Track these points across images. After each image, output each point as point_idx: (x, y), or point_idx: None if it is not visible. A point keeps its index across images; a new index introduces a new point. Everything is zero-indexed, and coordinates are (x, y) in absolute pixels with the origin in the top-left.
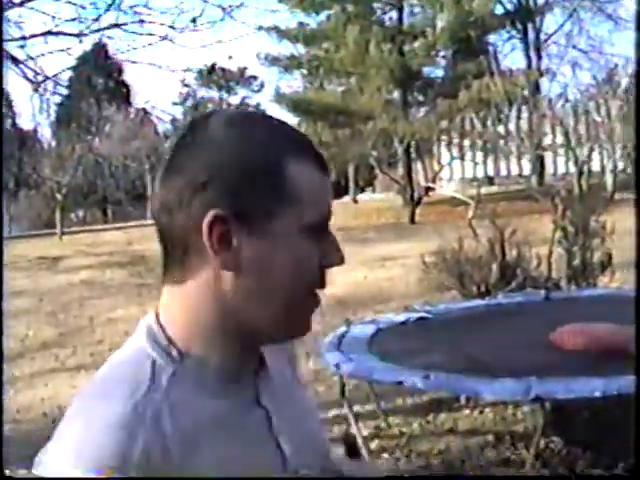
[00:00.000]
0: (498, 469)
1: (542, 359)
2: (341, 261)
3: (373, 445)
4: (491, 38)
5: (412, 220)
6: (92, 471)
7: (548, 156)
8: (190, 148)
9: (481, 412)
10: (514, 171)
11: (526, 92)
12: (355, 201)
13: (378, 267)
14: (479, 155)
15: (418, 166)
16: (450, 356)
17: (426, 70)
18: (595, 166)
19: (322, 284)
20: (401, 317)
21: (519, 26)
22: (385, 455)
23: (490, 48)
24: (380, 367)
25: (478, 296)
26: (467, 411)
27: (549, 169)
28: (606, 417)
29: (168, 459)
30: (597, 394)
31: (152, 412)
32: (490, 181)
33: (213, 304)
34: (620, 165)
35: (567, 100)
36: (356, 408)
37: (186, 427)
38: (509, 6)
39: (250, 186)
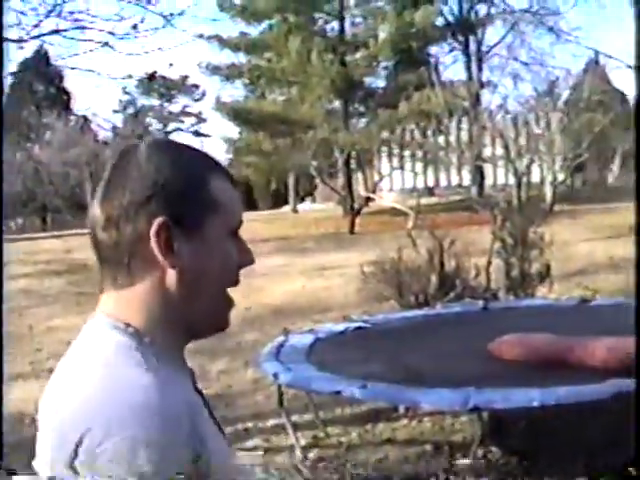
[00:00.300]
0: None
1: (481, 369)
2: (252, 261)
3: (311, 455)
4: (432, 50)
5: (352, 230)
6: (175, 421)
7: (488, 167)
8: (128, 171)
9: (419, 422)
10: (454, 182)
11: (467, 104)
12: (295, 211)
13: (317, 277)
14: (419, 166)
15: (358, 176)
16: (388, 366)
17: (367, 81)
18: (535, 178)
19: (236, 281)
20: (340, 327)
21: (461, 38)
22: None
23: (431, 59)
24: (318, 377)
25: (416, 306)
26: (405, 421)
27: (489, 180)
28: (543, 427)
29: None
30: (535, 404)
31: (167, 382)
32: (430, 192)
33: (161, 300)
34: (560, 177)
35: (507, 112)
36: (294, 418)
37: (193, 398)
38: (451, 18)
39: (185, 200)
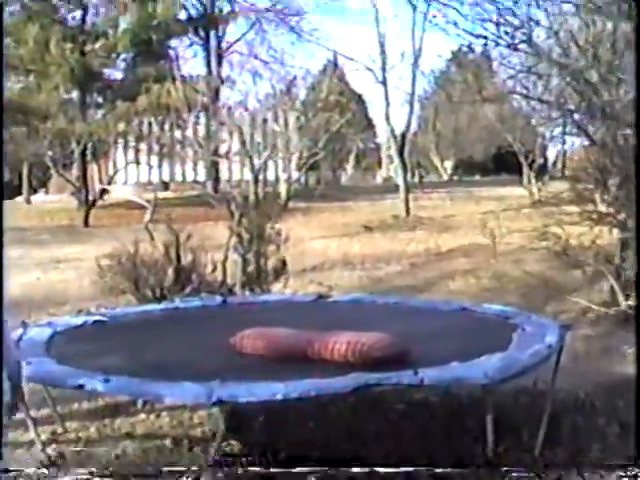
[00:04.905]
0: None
1: (223, 363)
2: None
3: (50, 450)
4: (173, 43)
5: (86, 223)
6: None
7: (223, 163)
8: None
9: (158, 416)
10: (189, 177)
11: (206, 99)
12: (28, 202)
13: (52, 269)
14: (155, 159)
15: (93, 168)
16: (130, 360)
17: (107, 72)
18: (270, 175)
19: None
20: (78, 320)
21: (202, 33)
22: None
23: (172, 53)
24: (60, 370)
25: (153, 300)
26: (144, 415)
27: (224, 175)
28: (282, 420)
29: None
30: (279, 397)
31: None
32: (165, 186)
33: None
34: (295, 175)
35: (246, 109)
36: (32, 413)
37: None
38: (193, 12)
39: None
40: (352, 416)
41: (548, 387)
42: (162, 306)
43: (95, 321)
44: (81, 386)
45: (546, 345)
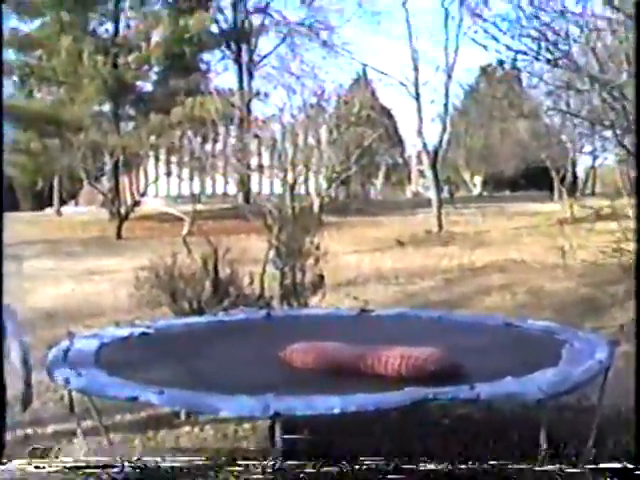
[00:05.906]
0: None
1: (275, 376)
2: None
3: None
4: (205, 57)
5: (119, 235)
6: None
7: (253, 176)
8: None
9: (201, 429)
10: (219, 190)
11: (238, 112)
12: (59, 213)
13: (86, 281)
14: (186, 172)
15: (124, 180)
16: (180, 372)
17: (139, 84)
18: (300, 189)
19: None
20: (124, 332)
21: (233, 46)
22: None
23: (204, 66)
24: (112, 382)
25: (190, 313)
26: (187, 428)
27: (254, 189)
28: (326, 434)
29: None
30: (336, 411)
31: None
32: (196, 199)
33: None
34: (327, 189)
35: (280, 122)
36: (74, 425)
37: None
38: (225, 25)
39: None
40: (399, 431)
41: (596, 403)
42: (206, 319)
43: (141, 333)
44: (135, 398)
45: (597, 361)
